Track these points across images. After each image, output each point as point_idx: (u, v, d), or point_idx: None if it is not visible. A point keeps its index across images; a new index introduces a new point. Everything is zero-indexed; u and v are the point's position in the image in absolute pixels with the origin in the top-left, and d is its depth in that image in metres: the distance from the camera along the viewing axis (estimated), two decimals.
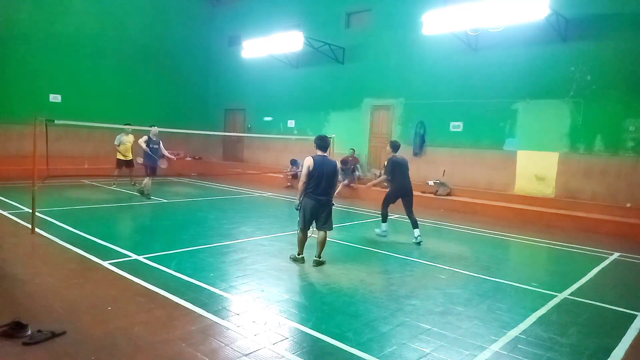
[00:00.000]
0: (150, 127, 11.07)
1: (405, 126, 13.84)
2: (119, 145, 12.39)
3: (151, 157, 11.00)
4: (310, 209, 5.75)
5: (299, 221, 5.93)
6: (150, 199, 10.97)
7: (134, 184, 12.61)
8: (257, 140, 17.96)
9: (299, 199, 5.86)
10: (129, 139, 12.53)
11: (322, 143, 5.86)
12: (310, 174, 5.66)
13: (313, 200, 5.72)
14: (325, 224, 5.85)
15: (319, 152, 5.82)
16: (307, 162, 5.67)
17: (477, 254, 7.15)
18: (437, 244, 7.75)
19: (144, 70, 17.95)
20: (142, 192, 11.18)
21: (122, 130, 12.25)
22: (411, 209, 7.68)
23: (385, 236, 7.82)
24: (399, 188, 7.68)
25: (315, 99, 16.15)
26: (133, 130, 11.75)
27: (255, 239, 7.36)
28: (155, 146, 11.12)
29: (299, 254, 5.99)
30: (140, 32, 17.79)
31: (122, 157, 12.51)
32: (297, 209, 5.90)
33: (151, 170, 11.14)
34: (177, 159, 16.76)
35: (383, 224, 7.90)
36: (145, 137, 11.12)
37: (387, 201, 7.84)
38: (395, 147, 7.79)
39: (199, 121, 18.63)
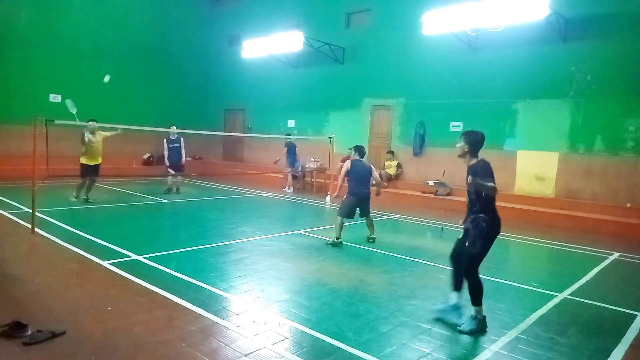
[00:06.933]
0: (169, 127, 11.96)
1: (405, 126, 13.84)
2: (85, 147, 9.69)
3: (172, 156, 11.95)
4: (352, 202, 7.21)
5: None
6: (179, 193, 12.04)
7: (87, 199, 9.97)
8: (257, 140, 17.95)
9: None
10: (96, 138, 9.87)
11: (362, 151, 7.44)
12: (348, 173, 7.22)
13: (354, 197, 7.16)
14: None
15: (357, 157, 7.29)
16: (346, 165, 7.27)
17: None
18: (437, 244, 7.74)
19: (144, 70, 17.94)
20: (170, 190, 12.09)
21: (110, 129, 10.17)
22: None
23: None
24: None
25: (315, 99, 16.15)
26: (126, 130, 9.59)
27: (256, 239, 7.36)
28: (177, 145, 12.01)
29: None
30: (140, 32, 17.79)
31: (87, 162, 9.74)
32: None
33: (173, 168, 12.04)
34: None
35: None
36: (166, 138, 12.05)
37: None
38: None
39: (199, 121, 18.60)
